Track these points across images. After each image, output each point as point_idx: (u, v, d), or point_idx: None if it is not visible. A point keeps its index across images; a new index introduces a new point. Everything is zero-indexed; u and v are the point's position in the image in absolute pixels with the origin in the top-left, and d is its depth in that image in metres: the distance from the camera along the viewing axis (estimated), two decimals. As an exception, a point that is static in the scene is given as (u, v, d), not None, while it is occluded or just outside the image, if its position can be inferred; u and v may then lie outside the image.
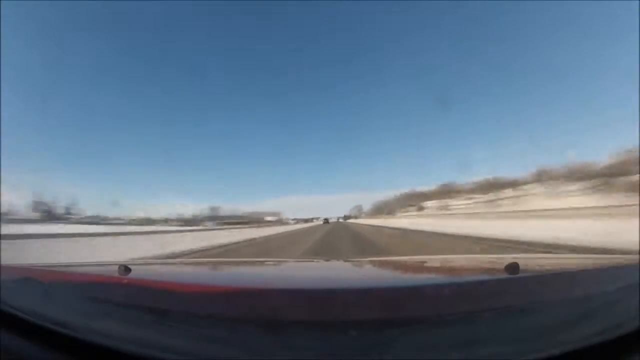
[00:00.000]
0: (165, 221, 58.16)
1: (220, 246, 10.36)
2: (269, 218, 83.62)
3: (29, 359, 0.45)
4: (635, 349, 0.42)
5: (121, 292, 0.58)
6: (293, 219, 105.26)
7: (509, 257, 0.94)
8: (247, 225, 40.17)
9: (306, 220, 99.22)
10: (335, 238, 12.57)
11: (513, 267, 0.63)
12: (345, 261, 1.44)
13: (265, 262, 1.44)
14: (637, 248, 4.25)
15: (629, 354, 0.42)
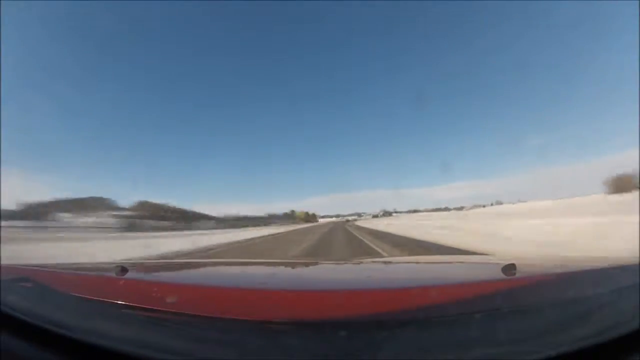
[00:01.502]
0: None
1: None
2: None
3: (27, 359, 0.45)
4: (632, 351, 0.42)
5: (117, 293, 0.58)
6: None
7: (506, 258, 0.94)
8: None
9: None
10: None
11: (510, 268, 0.63)
12: (338, 263, 1.44)
13: (259, 263, 1.45)
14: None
15: (626, 356, 0.41)
